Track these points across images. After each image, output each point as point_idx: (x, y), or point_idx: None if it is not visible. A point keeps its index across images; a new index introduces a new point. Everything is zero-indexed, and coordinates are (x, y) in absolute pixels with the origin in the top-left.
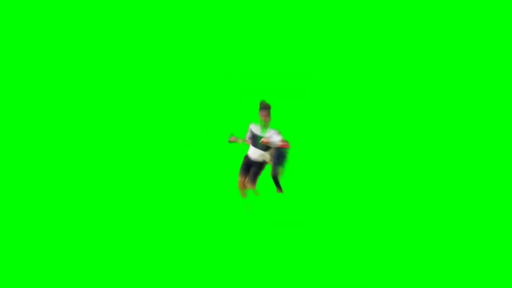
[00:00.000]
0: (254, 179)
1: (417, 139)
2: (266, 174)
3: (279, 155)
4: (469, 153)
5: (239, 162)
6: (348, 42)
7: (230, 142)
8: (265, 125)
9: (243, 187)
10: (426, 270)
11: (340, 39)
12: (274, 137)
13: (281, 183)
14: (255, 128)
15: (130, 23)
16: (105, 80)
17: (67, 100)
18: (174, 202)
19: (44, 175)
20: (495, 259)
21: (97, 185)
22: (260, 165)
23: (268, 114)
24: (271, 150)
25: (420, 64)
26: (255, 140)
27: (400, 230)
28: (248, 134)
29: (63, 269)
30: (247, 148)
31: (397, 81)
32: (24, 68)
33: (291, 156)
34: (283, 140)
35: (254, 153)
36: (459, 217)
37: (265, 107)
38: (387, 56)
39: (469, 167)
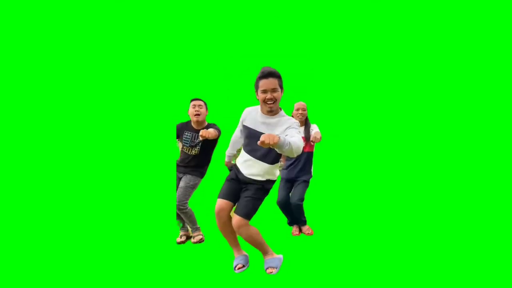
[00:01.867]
0: (247, 215)
1: (417, 139)
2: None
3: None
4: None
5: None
6: (347, 43)
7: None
8: (271, 110)
9: (224, 221)
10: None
11: (338, 40)
12: (292, 137)
13: None
14: (253, 119)
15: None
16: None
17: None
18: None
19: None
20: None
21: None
22: (258, 189)
23: (280, 87)
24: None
25: (421, 64)
26: (253, 141)
27: (405, 235)
28: (238, 134)
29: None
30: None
31: (399, 82)
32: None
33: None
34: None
35: (249, 167)
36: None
37: (272, 74)
38: (388, 57)
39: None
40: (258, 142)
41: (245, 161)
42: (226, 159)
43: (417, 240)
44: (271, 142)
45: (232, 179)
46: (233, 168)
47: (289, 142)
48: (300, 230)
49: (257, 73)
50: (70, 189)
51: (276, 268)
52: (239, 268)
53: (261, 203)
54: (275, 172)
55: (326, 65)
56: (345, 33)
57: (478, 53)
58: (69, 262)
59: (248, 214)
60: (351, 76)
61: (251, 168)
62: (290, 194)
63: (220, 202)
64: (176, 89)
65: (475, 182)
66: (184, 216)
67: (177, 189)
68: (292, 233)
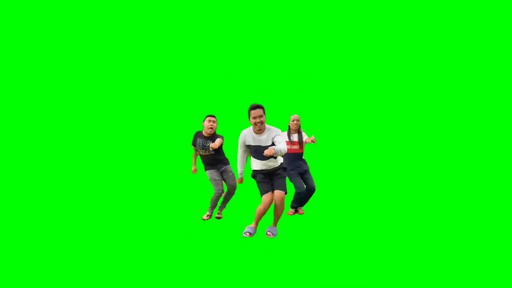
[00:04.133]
0: (285, 188)
1: (416, 139)
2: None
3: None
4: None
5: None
6: (346, 44)
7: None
8: (260, 129)
9: (269, 206)
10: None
11: (338, 41)
12: (279, 144)
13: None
14: (252, 139)
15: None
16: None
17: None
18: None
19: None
20: (495, 258)
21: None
22: (282, 170)
23: (264, 114)
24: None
25: (420, 65)
26: (259, 153)
27: (403, 232)
28: (241, 153)
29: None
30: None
31: (398, 82)
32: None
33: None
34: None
35: (264, 165)
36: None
37: (258, 106)
38: (388, 58)
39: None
40: (264, 154)
41: (261, 164)
42: (239, 176)
43: (397, 225)
44: (271, 154)
45: (264, 178)
46: (256, 174)
47: (279, 149)
48: (296, 211)
49: (258, 90)
50: (121, 182)
51: (274, 234)
52: (245, 234)
53: (286, 178)
54: (278, 160)
55: (317, 80)
56: (334, 47)
57: (469, 56)
58: (122, 230)
59: (285, 187)
60: (341, 86)
61: (268, 165)
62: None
63: (269, 196)
64: (189, 100)
65: (461, 174)
66: (231, 196)
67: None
68: (288, 213)
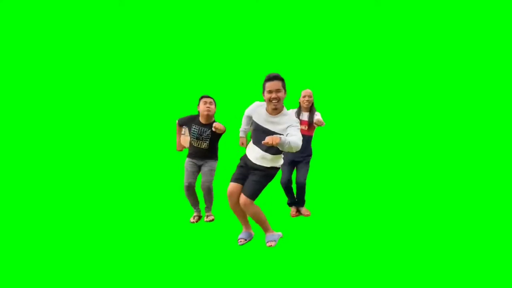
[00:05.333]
0: (252, 195)
1: (416, 139)
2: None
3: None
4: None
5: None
6: (347, 44)
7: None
8: (276, 108)
9: (235, 201)
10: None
11: (338, 40)
12: (291, 136)
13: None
14: (260, 116)
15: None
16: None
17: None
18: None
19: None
20: (496, 259)
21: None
22: (263, 175)
23: (282, 89)
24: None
25: (420, 65)
26: (259, 135)
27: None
28: (245, 125)
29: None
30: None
31: (397, 80)
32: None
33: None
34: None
35: (255, 155)
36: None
37: (276, 77)
38: (388, 57)
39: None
40: (263, 142)
41: (253, 150)
42: (241, 135)
43: (406, 225)
44: (274, 143)
45: (242, 166)
46: (243, 156)
47: (289, 142)
48: (298, 211)
49: (261, 70)
50: (107, 180)
51: (275, 241)
52: (240, 241)
53: (265, 186)
54: (279, 160)
55: (333, 59)
56: (350, 32)
57: (478, 54)
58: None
59: (252, 194)
60: (353, 71)
61: (257, 156)
62: (292, 175)
63: (232, 185)
64: (186, 86)
65: (464, 170)
66: (208, 195)
67: (187, 174)
68: (291, 214)
